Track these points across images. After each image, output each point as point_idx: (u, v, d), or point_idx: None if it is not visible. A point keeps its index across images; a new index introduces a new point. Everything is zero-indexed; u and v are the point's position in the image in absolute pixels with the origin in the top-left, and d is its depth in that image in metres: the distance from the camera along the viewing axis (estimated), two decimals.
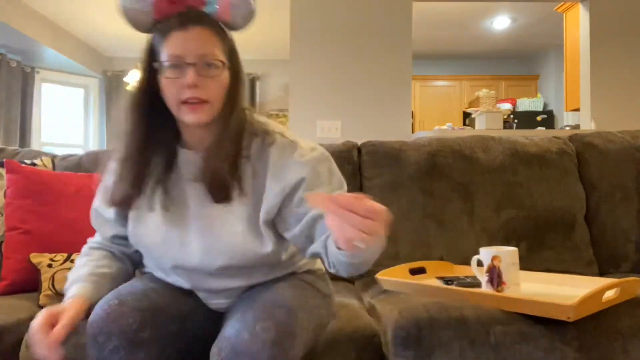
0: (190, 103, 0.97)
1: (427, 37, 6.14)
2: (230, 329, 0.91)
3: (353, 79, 3.51)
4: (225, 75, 1.01)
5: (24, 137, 5.63)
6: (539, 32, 6.05)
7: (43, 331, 0.93)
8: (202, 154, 1.03)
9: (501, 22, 5.79)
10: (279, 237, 1.05)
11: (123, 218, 1.11)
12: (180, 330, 1.02)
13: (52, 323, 0.95)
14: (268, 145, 1.03)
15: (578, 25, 4.08)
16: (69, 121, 6.42)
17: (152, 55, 1.01)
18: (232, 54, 1.04)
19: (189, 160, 1.05)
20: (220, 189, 1.00)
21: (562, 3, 4.50)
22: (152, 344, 0.94)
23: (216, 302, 1.11)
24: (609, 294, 1.16)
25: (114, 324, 0.92)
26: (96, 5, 4.97)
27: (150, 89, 1.01)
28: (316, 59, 3.46)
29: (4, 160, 1.69)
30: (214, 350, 0.91)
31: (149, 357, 0.93)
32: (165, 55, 0.97)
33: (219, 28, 1.02)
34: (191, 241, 1.04)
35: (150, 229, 1.07)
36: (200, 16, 1.00)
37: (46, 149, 4.71)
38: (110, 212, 1.11)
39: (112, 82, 6.60)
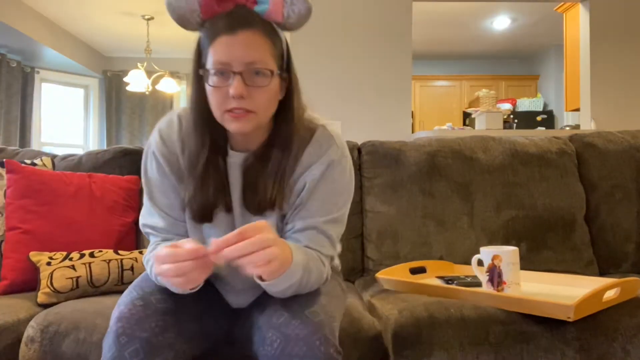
0: (235, 112, 0.94)
1: (427, 37, 6.14)
2: (276, 317, 0.93)
3: (353, 79, 3.52)
4: (274, 84, 0.96)
5: (24, 137, 5.63)
6: (539, 32, 6.05)
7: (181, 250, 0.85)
8: (247, 156, 1.02)
9: (501, 22, 5.79)
10: None
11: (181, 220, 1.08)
12: (197, 329, 1.03)
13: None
14: (306, 143, 1.02)
15: (578, 25, 4.08)
16: (69, 121, 6.42)
17: (200, 57, 0.97)
18: (284, 58, 0.99)
19: (235, 163, 1.03)
20: (255, 206, 1.01)
21: (562, 3, 4.50)
22: (170, 347, 0.95)
23: (240, 299, 1.12)
24: (610, 294, 1.17)
25: (137, 327, 0.92)
26: (96, 5, 4.97)
27: (203, 93, 0.98)
28: (316, 58, 3.46)
29: (4, 160, 1.69)
30: (264, 341, 0.91)
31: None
32: (211, 61, 0.93)
33: (271, 30, 0.96)
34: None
35: (205, 231, 1.07)
36: (250, 18, 0.93)
37: (46, 149, 4.72)
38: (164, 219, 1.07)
39: (112, 82, 6.59)
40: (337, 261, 1.27)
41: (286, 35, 1.02)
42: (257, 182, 1.00)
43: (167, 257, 0.84)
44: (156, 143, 1.06)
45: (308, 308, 0.94)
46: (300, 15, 0.97)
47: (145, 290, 1.00)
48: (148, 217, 1.08)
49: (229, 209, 1.04)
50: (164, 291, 1.00)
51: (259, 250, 0.82)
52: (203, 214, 1.03)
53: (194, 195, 1.01)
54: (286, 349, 0.89)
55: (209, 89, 0.95)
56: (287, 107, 1.01)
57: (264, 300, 1.02)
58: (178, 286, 0.88)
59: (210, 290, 1.12)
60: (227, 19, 0.93)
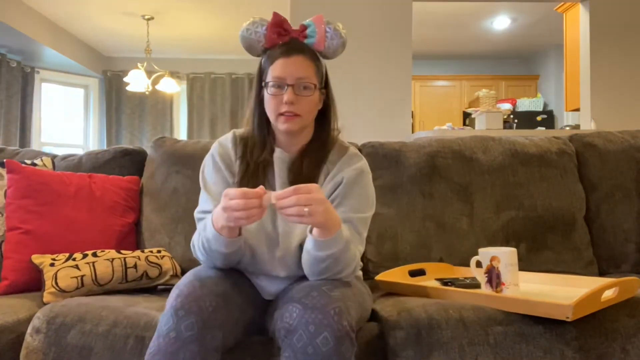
0: (286, 115, 1.20)
1: (427, 37, 6.14)
2: (297, 293, 1.09)
3: (353, 79, 3.52)
4: (316, 95, 1.24)
5: (24, 137, 5.64)
6: (539, 32, 6.05)
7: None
8: (291, 155, 1.27)
9: (501, 22, 5.79)
10: None
11: None
12: (241, 317, 1.15)
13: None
14: (342, 154, 1.30)
15: (578, 25, 4.08)
16: (69, 121, 6.42)
17: (261, 75, 1.26)
18: (323, 78, 1.28)
19: (281, 158, 1.27)
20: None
21: (562, 3, 4.50)
22: (219, 327, 1.05)
23: (272, 287, 1.26)
24: (608, 294, 1.17)
25: (194, 303, 1.04)
26: (96, 5, 4.97)
27: (262, 103, 1.26)
28: None
29: (4, 160, 1.69)
30: (283, 315, 1.05)
31: (214, 339, 1.04)
32: (270, 76, 1.22)
33: (315, 56, 1.25)
34: (278, 226, 1.24)
35: None
36: (300, 46, 1.24)
37: (46, 149, 4.73)
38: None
39: (112, 82, 6.60)
40: (359, 272, 1.40)
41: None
42: (300, 175, 1.23)
43: (238, 194, 1.04)
44: (216, 148, 1.32)
45: (328, 286, 1.10)
46: (336, 46, 1.28)
47: (202, 275, 1.15)
48: (203, 205, 1.27)
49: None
50: (218, 277, 1.16)
51: (304, 205, 1.01)
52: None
53: (243, 179, 1.24)
54: (303, 317, 1.01)
55: (267, 96, 1.23)
56: (324, 117, 1.30)
57: (288, 287, 1.21)
58: (238, 220, 1.05)
59: (249, 284, 1.27)
60: (284, 47, 1.23)
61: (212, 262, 1.21)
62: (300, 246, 1.20)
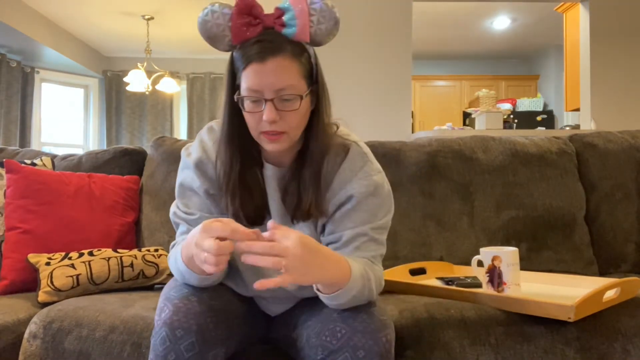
0: (269, 135, 0.98)
1: (427, 37, 6.14)
2: (339, 313, 0.97)
3: (353, 79, 3.51)
4: (304, 105, 0.99)
5: (24, 137, 5.64)
6: (539, 32, 6.06)
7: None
8: (283, 170, 1.07)
9: (501, 22, 5.79)
10: None
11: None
12: (242, 331, 1.07)
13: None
14: (342, 159, 1.05)
15: (578, 25, 4.08)
16: (69, 121, 6.42)
17: (234, 77, 1.01)
18: (312, 73, 1.02)
19: (272, 175, 1.08)
20: (300, 212, 1.05)
21: (562, 3, 4.50)
22: (221, 343, 0.97)
23: (280, 307, 1.17)
24: (610, 294, 1.16)
25: (193, 321, 0.94)
26: (96, 5, 4.97)
27: (236, 110, 1.02)
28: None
29: (4, 160, 1.69)
30: (321, 333, 0.95)
31: (215, 357, 0.96)
32: (244, 87, 0.97)
33: (299, 50, 0.98)
34: None
35: None
36: (278, 43, 0.96)
37: (46, 149, 4.73)
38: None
39: (112, 82, 6.60)
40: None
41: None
42: (294, 195, 1.05)
43: (225, 233, 0.85)
44: (197, 151, 1.09)
45: (373, 307, 0.99)
46: (328, 31, 1.00)
47: (197, 288, 1.02)
48: (181, 205, 1.09)
49: (267, 216, 1.09)
50: (213, 290, 1.04)
51: (271, 256, 0.84)
52: (256, 218, 1.07)
53: (241, 203, 1.04)
54: (352, 340, 0.92)
55: (244, 112, 0.99)
56: (316, 117, 1.04)
57: (311, 301, 1.07)
58: (208, 263, 0.86)
59: (250, 298, 1.16)
60: (257, 47, 0.95)
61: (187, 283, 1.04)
62: None
